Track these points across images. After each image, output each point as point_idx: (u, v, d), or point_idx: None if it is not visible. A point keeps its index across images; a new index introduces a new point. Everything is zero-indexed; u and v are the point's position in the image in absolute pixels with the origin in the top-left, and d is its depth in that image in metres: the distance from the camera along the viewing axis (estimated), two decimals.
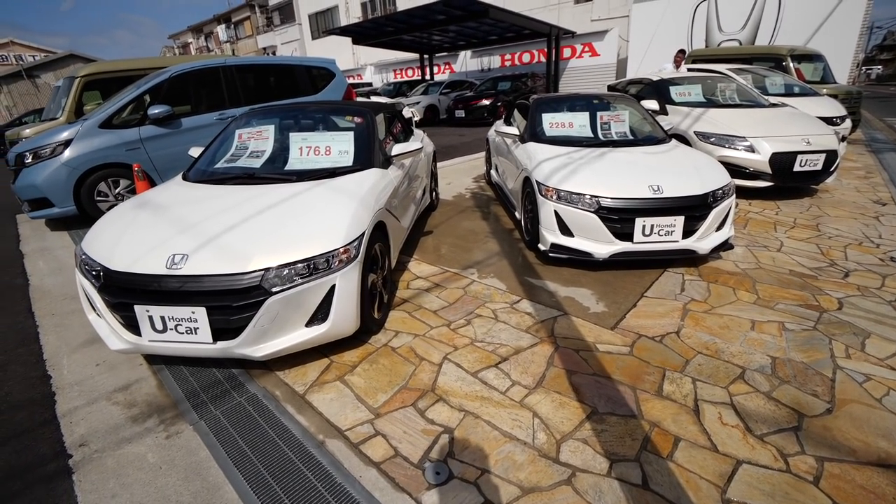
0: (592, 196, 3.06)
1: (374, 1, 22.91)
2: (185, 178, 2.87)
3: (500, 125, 5.58)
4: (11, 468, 1.72)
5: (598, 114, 4.21)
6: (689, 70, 7.77)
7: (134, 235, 2.18)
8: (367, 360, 2.28)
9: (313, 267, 2.01)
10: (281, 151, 3.07)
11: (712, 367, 2.14)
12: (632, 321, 2.56)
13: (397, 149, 3.09)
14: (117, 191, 4.95)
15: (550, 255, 3.24)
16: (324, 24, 24.85)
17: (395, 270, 3.31)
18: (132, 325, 2.02)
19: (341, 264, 2.08)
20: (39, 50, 35.64)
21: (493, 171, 5.67)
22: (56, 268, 3.80)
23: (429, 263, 3.49)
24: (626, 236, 3.06)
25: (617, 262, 3.17)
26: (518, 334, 2.46)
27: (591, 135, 4.08)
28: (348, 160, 2.89)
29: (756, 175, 4.78)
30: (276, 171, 2.85)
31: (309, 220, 2.19)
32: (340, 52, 22.59)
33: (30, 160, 4.60)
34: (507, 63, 17.78)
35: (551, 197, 3.18)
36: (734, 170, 4.55)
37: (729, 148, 4.90)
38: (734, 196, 3.27)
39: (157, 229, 2.20)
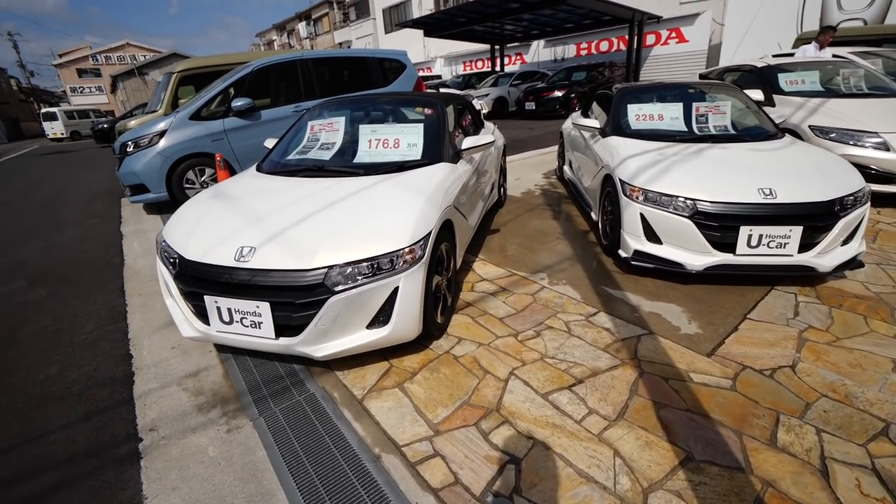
0: (687, 199, 2.68)
1: None
2: (258, 169, 2.92)
3: (576, 117, 5.21)
4: (90, 446, 1.80)
5: (694, 105, 3.73)
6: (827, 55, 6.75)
7: (208, 225, 2.21)
8: (427, 367, 2.15)
9: (377, 267, 1.90)
10: (350, 143, 3.02)
11: (843, 415, 1.74)
12: (733, 348, 2.19)
13: (467, 142, 2.91)
14: (203, 178, 5.28)
15: (632, 262, 2.90)
16: (397, 18, 25.23)
17: (460, 271, 3.15)
18: (202, 315, 2.05)
19: (406, 265, 1.95)
20: (149, 50, 39.94)
21: (566, 167, 5.31)
22: (147, 249, 4.10)
23: (495, 265, 3.30)
24: (727, 247, 2.65)
25: (712, 276, 2.77)
26: (595, 353, 2.20)
27: (685, 128, 3.62)
28: (417, 153, 2.77)
29: (889, 178, 4.01)
30: (344, 163, 2.79)
31: (374, 217, 2.09)
32: (411, 45, 22.81)
33: (131, 149, 5.03)
34: (583, 52, 16.87)
35: (637, 198, 2.84)
36: (860, 171, 3.84)
37: (854, 145, 4.15)
38: (868, 204, 2.72)
39: (229, 220, 2.22)
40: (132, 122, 6.96)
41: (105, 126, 17.11)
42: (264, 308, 1.89)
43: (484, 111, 13.30)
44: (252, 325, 1.94)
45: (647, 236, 2.84)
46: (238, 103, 5.23)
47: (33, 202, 6.94)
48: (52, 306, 3.07)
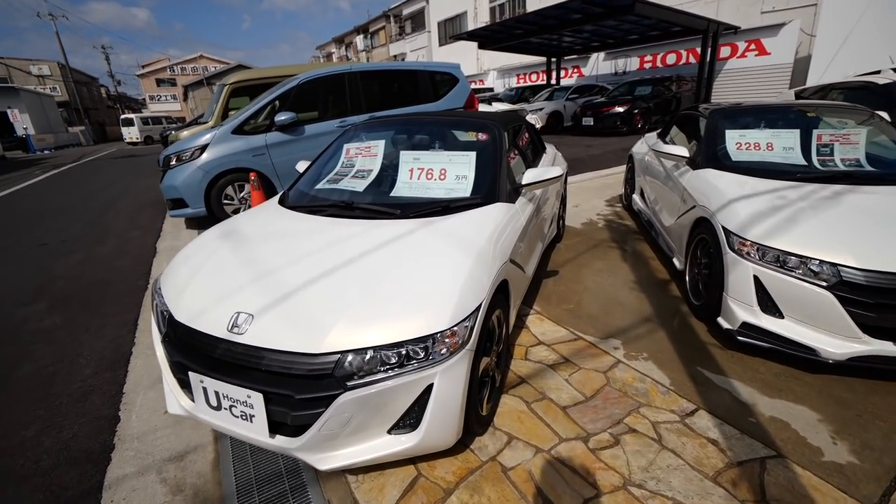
0: (827, 262, 1.99)
1: (504, 5, 22.46)
2: (281, 201, 2.52)
3: (651, 139, 4.54)
4: None
5: (814, 132, 2.98)
6: None
7: (207, 277, 1.81)
8: (466, 482, 1.61)
9: (405, 356, 1.40)
10: (389, 172, 2.57)
11: None
12: None
13: (530, 175, 2.37)
14: (242, 195, 5.08)
15: (739, 339, 2.23)
16: (452, 31, 25.18)
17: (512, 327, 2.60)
18: (189, 388, 1.64)
19: (445, 354, 1.44)
20: (219, 62, 42.68)
21: (636, 196, 4.62)
22: None
23: (554, 321, 2.71)
24: (885, 332, 1.93)
25: (858, 369, 2.05)
26: (701, 484, 1.57)
27: (803, 162, 2.89)
28: (466, 189, 2.26)
29: None
30: (380, 198, 2.34)
31: (408, 282, 1.60)
32: (465, 58, 22.61)
33: (174, 162, 4.91)
34: (647, 65, 15.83)
35: (750, 255, 2.18)
36: None
37: None
38: None
39: (233, 272, 1.80)
40: (183, 133, 6.99)
41: (169, 133, 18.07)
42: (256, 399, 1.43)
43: (538, 126, 12.70)
44: (242, 417, 1.49)
45: (763, 306, 2.16)
46: (281, 117, 5.00)
47: (89, 209, 7.12)
48: (60, 339, 2.83)
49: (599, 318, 2.73)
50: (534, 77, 20.48)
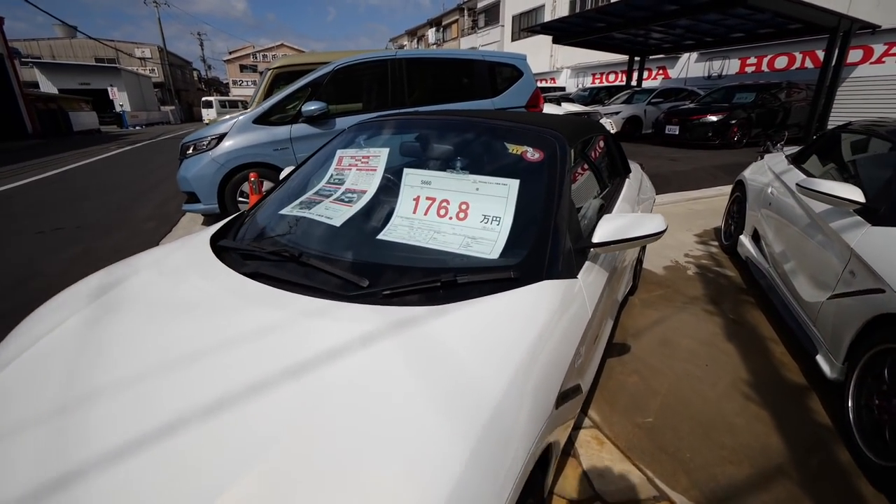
0: None
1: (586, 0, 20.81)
2: (219, 234, 1.72)
3: (777, 163, 3.34)
4: None
5: None
6: None
7: (38, 367, 1.06)
8: None
9: None
10: (387, 197, 1.72)
11: None
12: None
13: (607, 228, 1.39)
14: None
15: None
16: (526, 24, 23.87)
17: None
18: None
19: None
20: (298, 51, 44.31)
21: (744, 238, 3.43)
22: None
23: (620, 448, 1.74)
24: None
25: None
26: None
27: None
28: (495, 243, 1.34)
29: None
30: (351, 250, 1.49)
31: (353, 470, 0.73)
32: (537, 55, 21.25)
33: (190, 151, 4.41)
34: (749, 69, 13.74)
35: None
36: None
37: None
38: None
39: (73, 379, 1.01)
40: (221, 118, 6.62)
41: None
42: None
43: (611, 132, 11.32)
44: None
45: None
46: (311, 107, 4.32)
47: (129, 190, 6.99)
48: None
49: (696, 458, 1.70)
50: (612, 77, 18.77)
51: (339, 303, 1.13)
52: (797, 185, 2.31)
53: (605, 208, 1.94)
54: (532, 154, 1.56)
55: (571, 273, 1.30)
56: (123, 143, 15.79)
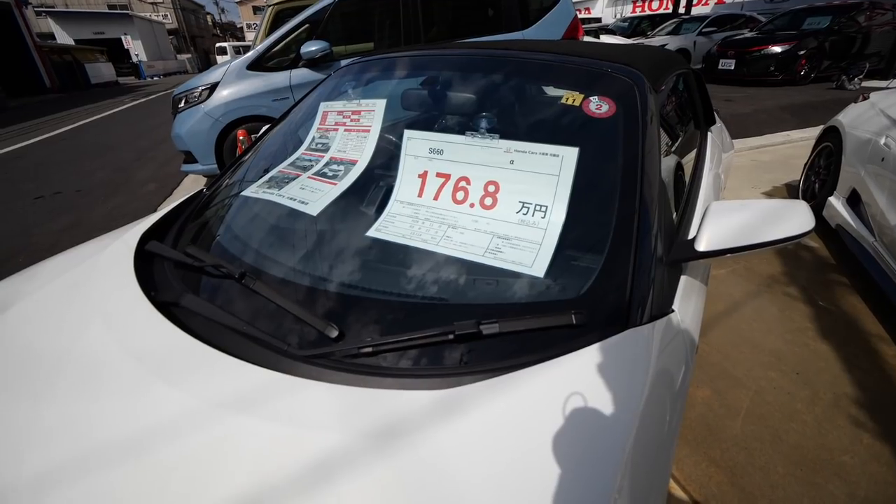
0: None
1: None
2: (150, 233, 1.24)
3: (890, 103, 2.63)
4: None
5: None
6: None
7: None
8: None
9: None
10: (383, 172, 1.24)
11: None
12: None
13: (720, 227, 0.86)
14: None
15: None
16: None
17: None
18: None
19: None
20: None
21: (834, 200, 2.78)
22: None
23: (692, 488, 1.33)
24: None
25: None
26: None
27: None
28: (539, 250, 0.86)
29: None
30: (327, 266, 1.03)
31: None
32: None
33: (182, 105, 3.95)
34: None
35: None
36: None
37: None
38: None
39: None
40: None
41: None
42: None
43: None
44: None
45: None
46: (311, 48, 3.71)
47: (136, 148, 6.65)
48: None
49: None
50: (655, 5, 16.73)
51: (289, 376, 0.69)
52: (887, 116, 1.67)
53: (694, 183, 1.39)
54: (598, 105, 1.02)
55: (667, 305, 0.81)
56: (138, 96, 15.41)
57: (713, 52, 9.49)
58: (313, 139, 1.42)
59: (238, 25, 52.57)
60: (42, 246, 3.24)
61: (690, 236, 0.90)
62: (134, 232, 1.21)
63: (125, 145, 6.81)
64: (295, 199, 1.19)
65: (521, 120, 1.22)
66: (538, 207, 0.94)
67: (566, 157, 0.94)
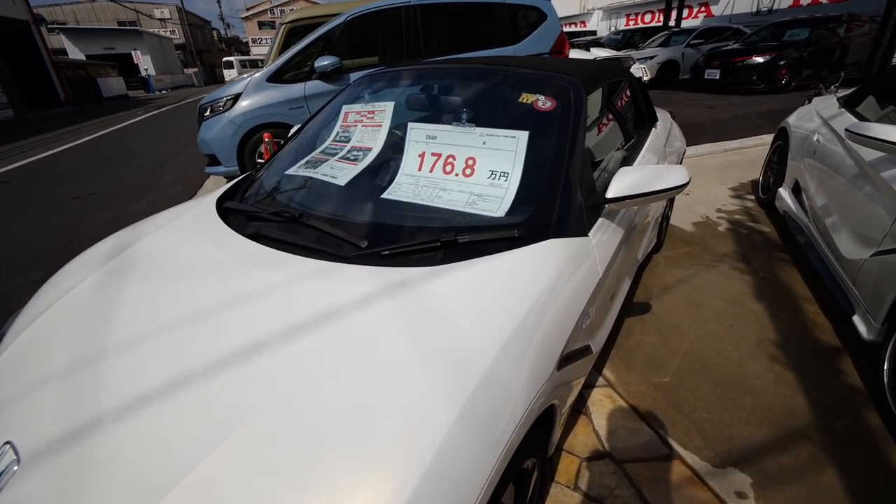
0: None
1: None
2: (225, 197, 1.71)
3: (825, 107, 3.05)
4: None
5: None
6: None
7: (51, 330, 1.11)
8: None
9: None
10: (393, 154, 1.66)
11: None
12: None
13: (623, 183, 1.29)
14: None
15: None
16: None
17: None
18: None
19: None
20: (314, 2, 42.76)
21: (783, 191, 3.20)
22: None
23: (633, 405, 1.72)
24: None
25: None
26: None
27: None
28: (502, 201, 1.28)
29: None
30: (354, 209, 1.45)
31: (341, 427, 0.74)
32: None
33: (208, 113, 4.41)
34: (805, 1, 12.36)
35: None
36: None
37: None
38: None
39: (79, 340, 1.05)
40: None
41: None
42: None
43: (645, 79, 10.54)
44: None
45: None
46: (323, 62, 4.19)
47: (156, 155, 7.13)
48: None
49: (713, 418, 1.67)
50: (647, 17, 17.36)
51: (338, 264, 1.11)
52: (846, 130, 2.09)
53: (628, 161, 1.82)
54: (543, 103, 1.45)
55: (582, 231, 1.23)
56: (150, 108, 16.02)
57: (700, 62, 9.98)
58: (338, 133, 1.84)
59: (243, 40, 53.86)
60: (87, 236, 3.67)
61: None
62: (209, 199, 1.63)
63: (147, 153, 7.29)
64: (327, 175, 1.62)
65: (492, 113, 1.65)
66: (501, 174, 1.35)
67: (520, 139, 1.36)
